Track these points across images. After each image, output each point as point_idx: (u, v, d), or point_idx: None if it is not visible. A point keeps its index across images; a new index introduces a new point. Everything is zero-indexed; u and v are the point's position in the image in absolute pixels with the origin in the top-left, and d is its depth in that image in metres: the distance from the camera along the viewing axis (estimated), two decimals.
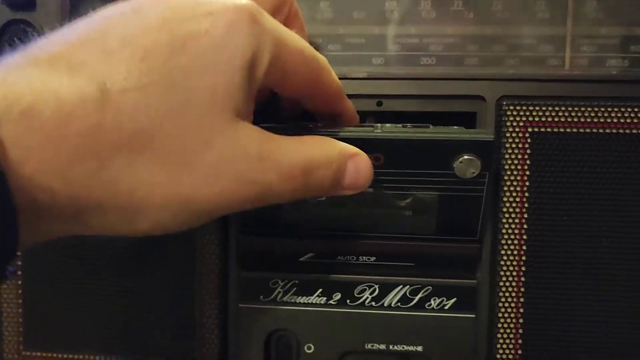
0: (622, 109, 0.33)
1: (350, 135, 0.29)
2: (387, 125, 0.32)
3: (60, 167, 0.21)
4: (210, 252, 0.36)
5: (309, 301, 0.36)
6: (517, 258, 0.34)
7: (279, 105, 0.33)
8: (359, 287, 0.35)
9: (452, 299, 0.35)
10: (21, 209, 0.20)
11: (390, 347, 0.35)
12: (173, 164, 0.23)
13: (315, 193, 0.27)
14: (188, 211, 0.24)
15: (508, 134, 0.34)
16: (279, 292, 0.36)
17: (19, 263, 0.37)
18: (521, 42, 0.34)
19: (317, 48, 0.28)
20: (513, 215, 0.34)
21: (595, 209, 0.34)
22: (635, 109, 0.33)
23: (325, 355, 0.36)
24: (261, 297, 0.36)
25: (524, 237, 0.34)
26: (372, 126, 0.31)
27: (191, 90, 0.23)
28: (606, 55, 0.34)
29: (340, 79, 0.30)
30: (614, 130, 0.33)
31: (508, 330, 0.35)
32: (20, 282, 0.38)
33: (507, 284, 0.34)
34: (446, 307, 0.35)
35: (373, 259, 0.35)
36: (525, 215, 0.34)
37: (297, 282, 0.36)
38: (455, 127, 0.33)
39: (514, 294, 0.34)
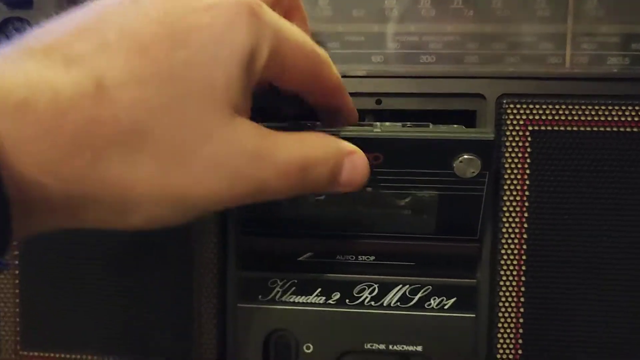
0: (623, 107, 0.33)
1: (350, 135, 0.29)
2: (387, 124, 0.32)
3: (55, 161, 0.21)
4: (209, 251, 0.36)
5: (308, 301, 0.35)
6: (517, 257, 0.34)
7: (279, 105, 0.33)
8: (358, 287, 0.35)
9: (452, 298, 0.35)
10: (14, 201, 0.20)
11: (390, 347, 0.35)
12: (169, 159, 0.23)
13: (312, 190, 0.27)
14: (183, 206, 0.24)
15: (508, 133, 0.34)
16: (278, 291, 0.36)
17: (16, 262, 0.37)
18: (521, 40, 0.34)
19: (317, 43, 0.28)
20: (513, 215, 0.34)
21: (596, 208, 0.33)
22: (636, 107, 0.33)
23: (324, 355, 0.35)
24: (260, 296, 0.36)
25: (524, 236, 0.34)
26: (372, 125, 0.31)
27: (189, 86, 0.23)
28: (607, 53, 0.34)
29: None
30: (615, 129, 0.33)
31: (508, 330, 0.34)
32: (17, 281, 0.37)
33: (508, 283, 0.34)
34: (446, 307, 0.35)
35: (372, 258, 0.35)
36: (526, 215, 0.34)
37: (296, 281, 0.35)
38: (455, 125, 0.33)
39: (514, 294, 0.34)
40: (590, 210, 0.33)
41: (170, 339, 0.37)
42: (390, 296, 0.35)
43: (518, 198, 0.34)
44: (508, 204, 0.34)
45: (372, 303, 0.35)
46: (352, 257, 0.35)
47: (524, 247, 0.34)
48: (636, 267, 0.34)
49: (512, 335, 0.35)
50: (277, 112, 0.33)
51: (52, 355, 0.38)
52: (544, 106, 0.33)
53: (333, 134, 0.28)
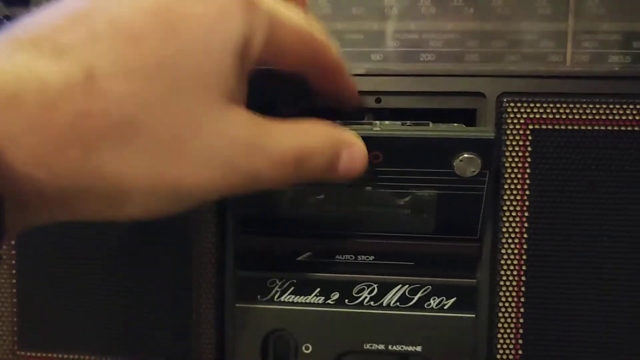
0: (624, 106, 0.33)
1: None
2: (386, 122, 0.32)
3: (47, 154, 0.21)
4: (208, 251, 0.36)
5: (307, 301, 0.35)
6: (517, 257, 0.34)
7: (278, 102, 0.33)
8: (358, 287, 0.35)
9: (452, 298, 0.35)
10: (7, 195, 0.20)
11: (389, 347, 0.35)
12: (161, 150, 0.22)
13: (308, 180, 0.27)
14: (178, 196, 0.24)
15: (509, 131, 0.33)
16: (277, 291, 0.35)
17: (13, 262, 0.37)
18: (522, 38, 0.34)
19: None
20: (514, 214, 0.34)
21: (597, 208, 0.33)
22: (638, 106, 0.33)
23: (323, 355, 0.35)
24: (258, 296, 0.36)
25: (525, 235, 0.34)
26: (371, 123, 0.31)
27: (181, 76, 0.22)
28: (608, 51, 0.34)
29: None
30: (616, 127, 0.33)
31: (508, 330, 0.34)
32: (14, 281, 0.37)
33: (508, 283, 0.34)
34: (446, 307, 0.35)
35: (372, 258, 0.35)
36: (526, 214, 0.34)
37: (294, 281, 0.35)
38: (455, 124, 0.32)
39: (514, 294, 0.34)
40: (591, 209, 0.33)
41: (169, 339, 0.36)
42: (390, 296, 0.35)
43: (518, 197, 0.34)
44: (508, 203, 0.34)
45: (372, 303, 0.35)
46: (351, 257, 0.35)
47: (524, 246, 0.34)
48: (636, 267, 0.33)
49: (512, 336, 0.34)
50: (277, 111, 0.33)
51: (50, 355, 0.38)
52: (545, 105, 0.33)
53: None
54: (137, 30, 0.22)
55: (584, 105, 0.33)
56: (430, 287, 0.35)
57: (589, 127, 0.33)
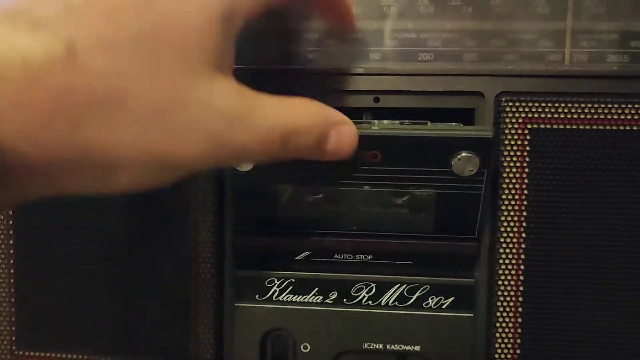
0: (623, 105, 0.33)
1: None
2: (385, 121, 0.32)
3: (32, 129, 0.21)
4: (206, 251, 0.36)
5: (305, 300, 0.35)
6: (515, 257, 0.34)
7: None
8: (356, 286, 0.35)
9: (450, 298, 0.35)
10: None
11: (387, 346, 0.35)
12: (146, 122, 0.22)
13: (295, 156, 0.27)
14: (166, 167, 0.24)
15: (507, 131, 0.33)
16: (275, 291, 0.35)
17: (11, 261, 0.37)
18: (520, 38, 0.34)
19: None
20: (512, 213, 0.34)
21: (595, 207, 0.33)
22: (636, 105, 0.33)
23: (321, 355, 0.35)
24: (257, 296, 0.36)
25: (523, 235, 0.34)
26: (369, 122, 0.31)
27: (160, 48, 0.22)
28: (606, 50, 0.34)
29: (336, 75, 0.29)
30: (615, 127, 0.33)
31: (507, 330, 0.34)
32: (13, 280, 0.37)
33: (506, 282, 0.34)
34: (444, 306, 0.35)
35: (370, 257, 0.35)
36: (525, 213, 0.34)
37: (293, 280, 0.35)
38: (454, 123, 0.32)
39: (512, 293, 0.34)
40: (589, 209, 0.33)
41: (168, 339, 0.36)
42: (388, 295, 0.35)
43: (517, 197, 0.34)
44: (507, 202, 0.34)
45: (370, 302, 0.35)
46: (349, 257, 0.35)
47: (523, 246, 0.34)
48: (636, 267, 0.33)
49: (510, 335, 0.34)
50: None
51: (49, 355, 0.38)
52: (543, 104, 0.33)
53: None
54: (110, 4, 0.22)
55: (583, 105, 0.33)
56: (428, 286, 0.35)
57: (588, 127, 0.33)
